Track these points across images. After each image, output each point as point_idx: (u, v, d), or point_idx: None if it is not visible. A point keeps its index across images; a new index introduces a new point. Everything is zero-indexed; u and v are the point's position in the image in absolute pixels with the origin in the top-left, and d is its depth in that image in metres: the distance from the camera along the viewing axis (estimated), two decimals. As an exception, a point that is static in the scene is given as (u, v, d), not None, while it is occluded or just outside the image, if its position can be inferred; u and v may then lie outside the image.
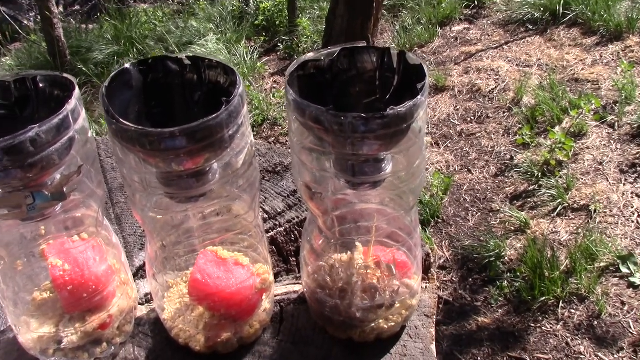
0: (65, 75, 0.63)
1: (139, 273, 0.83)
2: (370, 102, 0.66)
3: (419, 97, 0.57)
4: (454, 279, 1.98)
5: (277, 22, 3.45)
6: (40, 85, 0.63)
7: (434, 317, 0.74)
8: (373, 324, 0.70)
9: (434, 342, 0.71)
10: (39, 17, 3.61)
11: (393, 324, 0.71)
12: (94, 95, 3.09)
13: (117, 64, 3.16)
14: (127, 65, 0.63)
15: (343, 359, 0.70)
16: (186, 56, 0.64)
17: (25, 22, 3.92)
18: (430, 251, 0.79)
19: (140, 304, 0.79)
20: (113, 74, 0.62)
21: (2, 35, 3.57)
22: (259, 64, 3.20)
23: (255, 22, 3.50)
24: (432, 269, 0.78)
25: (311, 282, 0.72)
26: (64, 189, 0.61)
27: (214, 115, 0.56)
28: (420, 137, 0.62)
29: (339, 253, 0.73)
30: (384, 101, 0.65)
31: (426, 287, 0.77)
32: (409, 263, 0.71)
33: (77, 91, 0.60)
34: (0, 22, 3.83)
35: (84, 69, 3.11)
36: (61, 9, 3.71)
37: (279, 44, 3.37)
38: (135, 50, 3.23)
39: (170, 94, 0.65)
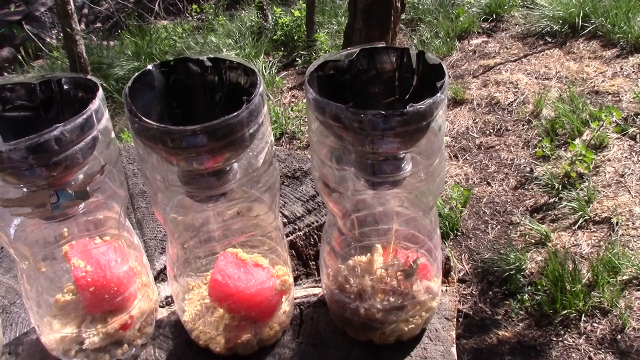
0: (89, 76, 0.64)
1: (160, 276, 0.84)
2: (389, 102, 0.66)
3: (438, 94, 0.57)
4: (474, 292, 1.96)
5: (296, 37, 3.48)
6: (65, 87, 0.65)
7: (454, 320, 0.73)
8: (393, 326, 0.70)
9: (455, 345, 0.70)
10: (61, 35, 3.69)
11: (413, 326, 0.70)
12: (115, 111, 3.13)
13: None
14: (150, 67, 0.64)
15: (363, 361, 0.70)
16: (207, 57, 0.65)
17: (48, 39, 4.00)
18: (449, 254, 0.78)
19: (160, 306, 0.79)
20: (136, 75, 0.63)
21: (25, 53, 3.65)
22: (277, 78, 3.22)
23: (274, 37, 3.54)
24: (452, 272, 0.77)
25: (331, 283, 0.72)
26: (87, 188, 0.62)
27: (235, 114, 0.57)
28: (440, 136, 0.62)
29: (359, 255, 0.73)
30: (403, 101, 0.65)
31: (446, 290, 0.76)
32: (428, 265, 0.71)
33: (100, 92, 0.62)
34: (23, 39, 3.92)
35: (104, 84, 3.16)
36: (83, 26, 3.79)
37: (297, 59, 3.39)
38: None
39: (192, 95, 0.66)
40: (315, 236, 0.85)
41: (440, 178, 0.65)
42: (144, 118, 0.57)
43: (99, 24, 4.26)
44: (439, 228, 0.71)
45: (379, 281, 0.70)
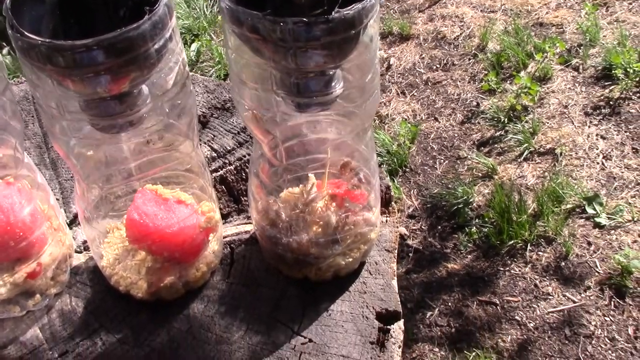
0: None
1: (76, 220, 0.76)
2: (316, 15, 0.59)
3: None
4: (423, 227, 1.96)
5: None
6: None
7: (395, 251, 0.69)
8: (329, 261, 0.65)
9: (395, 278, 0.66)
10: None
11: (351, 259, 0.66)
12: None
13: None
14: (37, -24, 0.55)
15: (298, 298, 0.65)
16: (106, -35, 0.56)
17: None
18: (390, 184, 0.73)
19: (77, 251, 0.72)
20: (20, -15, 0.54)
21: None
22: (219, 17, 3.08)
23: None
24: (392, 202, 0.73)
25: (261, 218, 0.66)
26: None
27: (134, 25, 0.49)
28: (372, 49, 0.56)
29: (291, 186, 0.67)
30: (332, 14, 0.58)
31: (386, 221, 0.72)
32: (365, 194, 0.66)
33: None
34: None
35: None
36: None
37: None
38: None
39: (91, 11, 0.57)
40: (247, 171, 0.79)
41: (374, 97, 0.59)
42: (27, 33, 0.48)
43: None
44: (375, 154, 0.66)
45: (313, 213, 0.65)
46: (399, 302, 0.64)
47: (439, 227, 1.93)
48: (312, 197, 0.65)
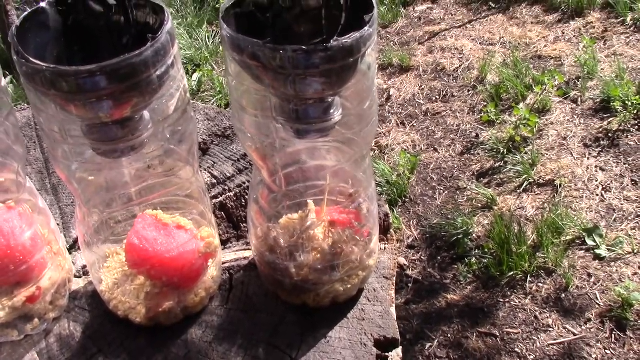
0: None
1: (76, 245, 0.76)
2: (315, 43, 0.60)
3: (366, 28, 0.52)
4: (422, 257, 1.96)
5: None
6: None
7: (394, 279, 0.69)
8: (327, 287, 0.65)
9: (394, 305, 0.66)
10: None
11: (349, 286, 0.66)
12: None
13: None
14: (43, 4, 0.56)
15: (297, 324, 0.65)
16: (111, -5, 0.58)
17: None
18: (388, 211, 0.74)
19: (77, 276, 0.72)
20: (25, 14, 0.55)
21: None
22: (220, 48, 3.12)
23: (217, 6, 3.41)
24: (391, 230, 0.73)
25: (260, 244, 0.66)
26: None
27: (137, 52, 0.50)
28: (370, 77, 0.57)
29: (289, 213, 0.67)
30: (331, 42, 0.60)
31: (385, 248, 0.72)
32: (364, 221, 0.66)
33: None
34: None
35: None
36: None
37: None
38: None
39: (95, 38, 0.59)
40: (247, 197, 0.79)
41: (372, 124, 0.60)
42: (31, 59, 0.49)
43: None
44: (374, 181, 0.67)
45: (312, 240, 0.65)
46: (398, 330, 0.64)
47: (439, 257, 1.93)
48: (310, 223, 0.66)
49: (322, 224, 0.66)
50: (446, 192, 2.17)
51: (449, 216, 2.01)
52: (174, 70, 0.54)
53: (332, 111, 0.57)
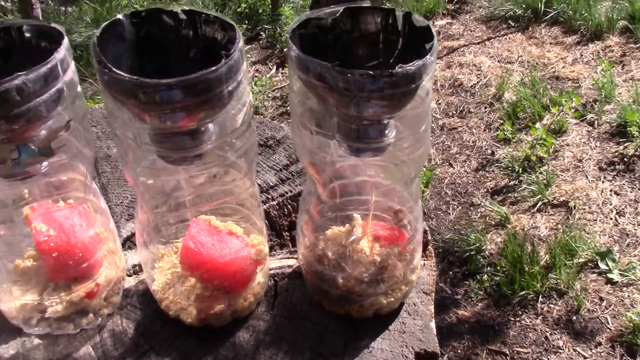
0: (53, 25, 0.59)
1: (126, 244, 0.79)
2: (372, 65, 0.63)
3: (427, 56, 0.55)
4: (434, 271, 1.97)
5: (260, 10, 3.41)
6: (26, 35, 0.60)
7: (433, 294, 0.72)
8: (372, 299, 0.68)
9: (433, 320, 0.69)
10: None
11: (392, 299, 0.68)
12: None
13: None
14: (120, 16, 0.59)
15: (340, 334, 0.68)
16: (182, 10, 0.61)
17: (2, 2, 3.80)
18: (427, 227, 0.76)
19: (127, 275, 0.75)
20: (104, 24, 0.58)
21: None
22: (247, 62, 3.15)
23: (238, 10, 3.45)
24: (429, 246, 0.76)
25: (308, 254, 0.69)
26: (52, 145, 0.57)
27: (213, 68, 0.53)
28: (426, 103, 0.60)
29: (338, 225, 0.70)
30: (386, 64, 0.63)
31: (424, 263, 0.75)
32: (407, 237, 0.69)
33: (66, 41, 0.57)
34: (-26, 2, 3.72)
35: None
36: (38, -9, 3.61)
37: (261, 33, 3.33)
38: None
39: (165, 50, 0.62)
40: (289, 206, 0.82)
41: (425, 147, 0.63)
42: (114, 69, 0.52)
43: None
44: (420, 200, 0.69)
45: (357, 252, 0.68)
46: (437, 344, 0.67)
47: (450, 272, 1.94)
48: (355, 237, 0.68)
49: (367, 238, 0.68)
50: (460, 207, 2.19)
51: (462, 232, 2.03)
52: (242, 86, 0.57)
53: (387, 132, 0.60)
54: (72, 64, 0.58)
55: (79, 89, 0.60)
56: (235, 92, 0.57)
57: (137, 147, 0.58)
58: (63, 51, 0.56)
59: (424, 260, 0.75)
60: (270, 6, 3.37)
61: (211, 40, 0.61)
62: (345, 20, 0.62)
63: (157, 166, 0.63)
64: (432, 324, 0.68)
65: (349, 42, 0.63)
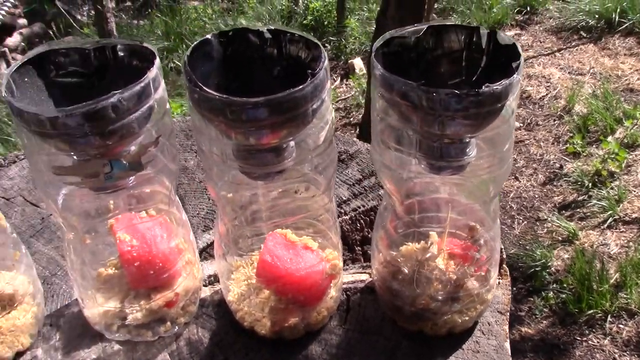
0: (145, 44, 0.62)
1: (202, 254, 0.82)
2: (455, 83, 0.63)
3: (515, 75, 0.54)
4: (499, 287, 1.94)
5: (326, 23, 3.44)
6: (120, 54, 0.62)
7: (508, 314, 0.70)
8: (446, 317, 0.67)
9: (508, 340, 0.68)
10: (92, 12, 3.66)
11: (467, 318, 0.68)
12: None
13: (166, 59, 3.19)
14: (208, 36, 0.61)
15: (413, 351, 0.68)
16: (267, 29, 0.62)
17: (78, 16, 3.98)
18: (502, 246, 0.75)
19: (203, 285, 0.77)
20: (194, 44, 0.60)
21: (56, 28, 3.64)
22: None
23: (304, 22, 3.49)
24: (504, 264, 0.74)
25: (383, 269, 0.70)
26: (141, 160, 0.60)
27: (300, 87, 0.54)
28: (510, 122, 0.59)
29: (414, 241, 0.70)
30: (469, 83, 0.62)
31: (499, 282, 0.73)
32: (484, 257, 0.68)
33: (157, 61, 0.59)
34: (54, 15, 3.90)
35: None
36: (113, 4, 3.77)
37: (326, 45, 3.36)
38: (184, 46, 3.26)
39: (250, 68, 0.63)
40: (362, 221, 0.83)
41: (507, 167, 0.62)
42: (205, 88, 0.54)
43: (129, 2, 4.24)
44: (499, 219, 0.69)
45: (432, 270, 0.67)
46: (513, 365, 0.66)
47: (514, 288, 1.90)
48: (430, 254, 0.68)
49: (443, 255, 0.68)
50: (525, 222, 2.14)
51: (527, 247, 1.99)
52: (326, 104, 0.58)
53: (468, 150, 0.59)
54: (162, 83, 0.60)
55: (167, 105, 0.62)
56: (319, 110, 0.58)
57: (222, 163, 0.60)
58: (155, 70, 0.58)
59: (499, 279, 0.74)
60: (336, 18, 3.40)
61: (295, 58, 0.62)
62: (428, 39, 0.62)
63: (237, 181, 0.64)
64: (507, 345, 0.67)
65: (431, 60, 0.63)
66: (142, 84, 0.56)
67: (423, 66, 0.63)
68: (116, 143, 0.57)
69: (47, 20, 3.90)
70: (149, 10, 3.93)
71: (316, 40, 0.60)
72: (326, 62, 0.58)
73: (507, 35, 0.60)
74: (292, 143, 0.61)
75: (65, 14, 3.81)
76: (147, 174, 0.64)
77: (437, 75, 0.63)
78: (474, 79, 0.62)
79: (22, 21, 3.82)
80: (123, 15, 3.98)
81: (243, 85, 0.63)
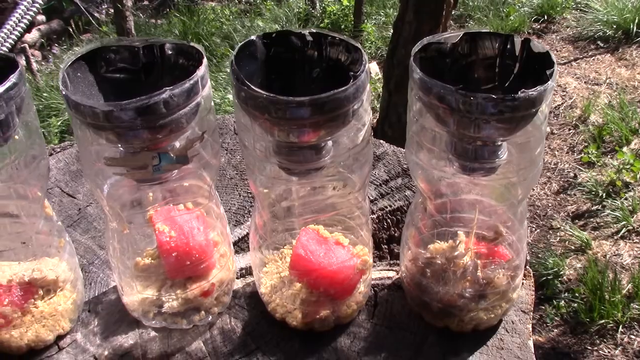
0: (192, 44, 0.64)
1: (234, 248, 0.84)
2: (487, 89, 0.66)
3: (549, 82, 0.57)
4: (511, 293, 1.95)
5: (343, 27, 3.47)
6: (167, 52, 0.65)
7: (531, 313, 0.73)
8: (472, 314, 0.70)
9: (532, 339, 0.70)
10: (110, 10, 3.71)
11: (493, 315, 0.70)
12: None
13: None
14: (253, 37, 0.64)
15: (439, 346, 0.70)
16: (309, 32, 0.65)
17: (97, 14, 4.03)
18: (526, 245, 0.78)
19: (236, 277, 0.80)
20: (240, 45, 0.63)
21: (75, 26, 3.69)
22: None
23: (321, 25, 3.53)
24: (527, 265, 0.77)
25: (412, 266, 0.72)
26: (187, 153, 0.62)
27: (343, 88, 0.57)
28: (542, 128, 0.62)
29: (443, 240, 0.72)
30: (502, 89, 0.65)
31: (523, 283, 0.76)
32: (510, 256, 0.70)
33: (205, 60, 0.62)
34: (72, 13, 3.96)
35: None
36: (131, 2, 3.82)
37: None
38: (201, 46, 3.30)
39: (290, 69, 0.66)
40: (389, 220, 0.85)
41: (537, 170, 0.65)
42: (252, 86, 0.57)
43: (147, 2, 4.29)
44: (526, 221, 0.71)
45: (458, 268, 0.70)
46: (536, 363, 0.68)
47: (526, 295, 1.92)
48: (457, 253, 0.71)
49: (469, 254, 0.70)
50: (538, 230, 2.15)
51: (540, 255, 2.00)
52: (365, 105, 0.61)
53: (499, 153, 0.62)
54: (209, 81, 0.63)
55: (212, 103, 0.65)
56: (359, 111, 0.60)
57: (266, 159, 0.63)
58: (203, 69, 0.61)
59: (523, 280, 0.76)
60: (353, 22, 3.42)
61: (334, 60, 0.65)
62: (463, 45, 0.65)
63: (273, 176, 0.67)
64: (530, 343, 0.69)
65: (465, 66, 0.66)
66: (192, 82, 0.59)
67: (457, 71, 0.65)
68: (164, 137, 0.60)
69: (65, 18, 3.95)
70: (167, 9, 3.98)
71: (357, 44, 0.63)
72: (367, 65, 0.60)
73: (540, 43, 0.63)
74: (330, 142, 0.63)
75: (84, 12, 3.86)
76: (189, 169, 0.66)
77: (470, 80, 0.66)
78: (506, 85, 0.65)
79: (41, 17, 3.87)
80: (141, 14, 4.02)
81: (284, 85, 0.66)
